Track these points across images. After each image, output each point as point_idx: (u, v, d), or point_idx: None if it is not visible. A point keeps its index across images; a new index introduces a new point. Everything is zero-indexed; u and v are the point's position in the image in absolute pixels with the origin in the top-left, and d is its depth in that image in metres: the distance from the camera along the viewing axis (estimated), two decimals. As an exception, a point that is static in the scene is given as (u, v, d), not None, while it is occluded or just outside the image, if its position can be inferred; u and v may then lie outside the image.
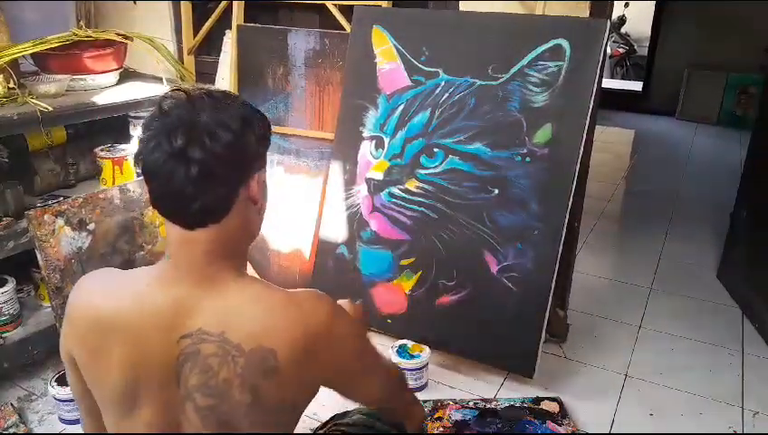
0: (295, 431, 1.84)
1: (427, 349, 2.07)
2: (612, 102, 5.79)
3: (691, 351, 2.33)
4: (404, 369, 2.01)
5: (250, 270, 2.53)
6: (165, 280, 0.93)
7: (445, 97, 2.05)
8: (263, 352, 0.88)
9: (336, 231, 2.26)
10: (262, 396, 0.90)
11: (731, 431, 1.91)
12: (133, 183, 2.09)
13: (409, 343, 2.09)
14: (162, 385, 0.92)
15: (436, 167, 2.06)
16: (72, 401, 1.81)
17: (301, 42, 2.39)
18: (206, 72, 2.74)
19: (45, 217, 1.87)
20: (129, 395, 0.93)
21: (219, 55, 2.65)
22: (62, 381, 1.85)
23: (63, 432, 1.86)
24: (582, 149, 1.90)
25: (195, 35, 2.73)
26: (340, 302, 1.26)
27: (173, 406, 0.93)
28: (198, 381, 0.90)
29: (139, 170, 0.90)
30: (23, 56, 2.14)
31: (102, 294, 0.96)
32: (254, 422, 0.92)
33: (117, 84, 2.38)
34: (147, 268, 0.99)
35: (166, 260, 0.95)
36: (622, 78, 7.69)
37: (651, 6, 6.31)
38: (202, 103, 0.89)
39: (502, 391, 2.06)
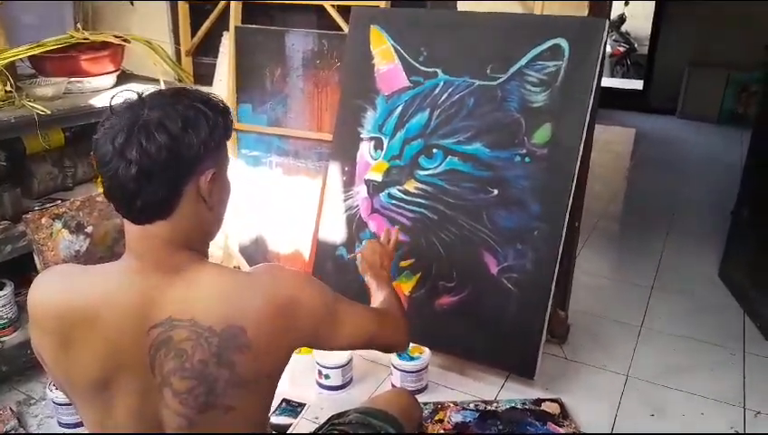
0: (296, 431, 1.84)
1: (427, 350, 2.06)
2: (613, 101, 5.78)
3: (692, 350, 2.32)
4: (404, 371, 2.01)
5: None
6: (129, 272, 0.95)
7: (443, 97, 2.04)
8: (234, 330, 0.92)
9: (335, 232, 2.25)
10: (238, 371, 0.93)
11: (732, 432, 1.91)
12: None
13: (409, 345, 2.07)
14: (137, 375, 0.93)
15: (435, 167, 2.05)
16: (70, 404, 1.80)
17: (299, 43, 2.38)
18: (204, 73, 2.73)
19: (43, 220, 1.86)
20: (103, 388, 0.93)
21: (217, 57, 2.64)
22: (60, 385, 1.84)
23: (62, 436, 1.86)
24: (582, 148, 1.89)
25: (192, 37, 2.72)
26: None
27: (150, 395, 0.94)
28: (174, 366, 0.92)
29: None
30: (20, 59, 2.13)
31: (66, 290, 0.96)
32: (234, 396, 0.94)
33: (114, 86, 2.38)
34: (112, 263, 0.99)
35: (127, 253, 0.96)
36: (622, 77, 7.69)
37: (651, 5, 6.30)
38: (149, 103, 0.91)
39: (502, 393, 2.06)
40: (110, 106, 0.93)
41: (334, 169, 2.26)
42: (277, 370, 1.01)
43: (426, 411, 1.88)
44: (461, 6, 2.22)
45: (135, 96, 0.93)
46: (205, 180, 0.94)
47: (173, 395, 0.93)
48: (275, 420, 1.91)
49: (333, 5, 2.36)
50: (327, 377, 2.02)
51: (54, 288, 0.97)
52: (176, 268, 0.94)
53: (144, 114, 0.89)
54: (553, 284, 1.93)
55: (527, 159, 1.93)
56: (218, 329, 0.92)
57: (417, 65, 2.09)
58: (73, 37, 2.24)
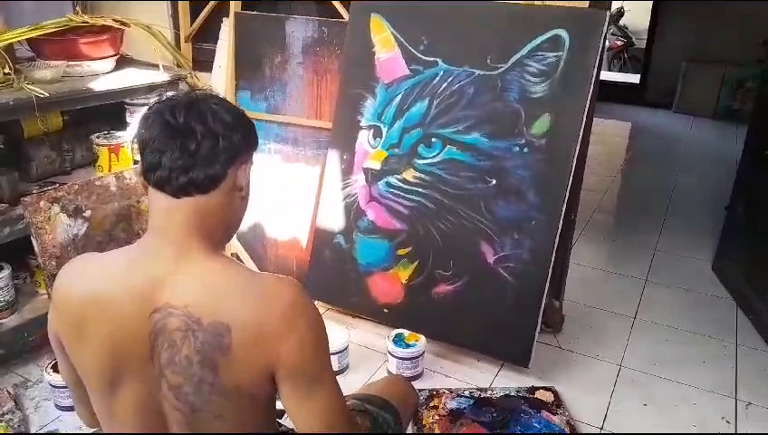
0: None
1: (423, 338, 2.07)
2: (609, 95, 5.77)
3: (685, 342, 2.34)
4: (400, 358, 2.02)
5: (247, 260, 2.54)
6: (144, 254, 0.95)
7: (443, 87, 2.04)
8: (218, 327, 0.88)
9: (333, 220, 2.26)
10: (219, 375, 0.90)
11: (724, 422, 1.93)
12: (129, 170, 2.08)
13: (406, 333, 2.09)
14: (141, 362, 0.92)
15: (433, 157, 2.06)
16: (67, 387, 1.80)
17: (299, 30, 2.37)
18: (204, 59, 2.72)
19: (41, 203, 1.86)
20: (112, 374, 0.93)
21: (217, 43, 2.63)
22: (57, 368, 1.84)
23: (57, 431, 1.84)
24: (580, 140, 1.90)
25: (192, 23, 2.71)
26: None
27: (152, 384, 0.93)
28: (168, 358, 0.91)
29: (135, 145, 0.96)
30: (18, 42, 2.12)
31: (84, 276, 0.97)
32: (220, 405, 0.92)
33: (113, 71, 2.36)
34: (128, 247, 1.00)
35: (147, 234, 0.97)
36: (620, 71, 7.68)
37: (650, -1, 6.30)
38: (203, 95, 0.99)
39: (497, 381, 2.07)
40: (162, 95, 0.96)
41: (333, 157, 2.26)
42: (260, 392, 0.93)
43: (421, 398, 1.90)
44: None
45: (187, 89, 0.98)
46: (244, 170, 0.99)
47: (168, 388, 0.92)
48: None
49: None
50: (323, 363, 2.03)
51: (76, 279, 0.97)
52: (187, 252, 0.93)
53: (200, 100, 0.95)
54: (549, 274, 1.94)
55: (526, 150, 1.94)
56: (205, 323, 0.89)
57: (417, 54, 2.09)
58: (72, 20, 2.22)
